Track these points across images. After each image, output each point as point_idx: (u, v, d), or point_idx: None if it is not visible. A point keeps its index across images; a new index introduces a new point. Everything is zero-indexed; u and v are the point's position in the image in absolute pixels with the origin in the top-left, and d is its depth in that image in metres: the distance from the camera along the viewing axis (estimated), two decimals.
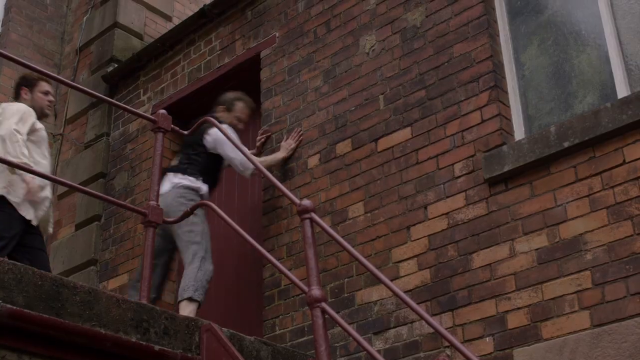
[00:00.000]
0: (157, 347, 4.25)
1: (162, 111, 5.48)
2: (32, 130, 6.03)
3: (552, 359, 4.56)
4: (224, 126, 5.90)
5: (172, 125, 5.49)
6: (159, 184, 5.26)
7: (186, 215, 5.40)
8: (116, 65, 8.88)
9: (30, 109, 6.13)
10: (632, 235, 4.50)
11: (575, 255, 4.69)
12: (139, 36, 9.35)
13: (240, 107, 6.78)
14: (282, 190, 4.86)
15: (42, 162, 6.07)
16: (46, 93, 6.37)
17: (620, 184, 4.65)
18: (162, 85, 8.27)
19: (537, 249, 4.87)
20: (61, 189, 8.82)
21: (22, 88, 6.35)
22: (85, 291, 4.09)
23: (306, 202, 4.44)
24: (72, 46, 9.83)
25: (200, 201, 5.77)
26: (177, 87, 8.02)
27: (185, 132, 5.82)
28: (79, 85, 5.75)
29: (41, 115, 6.30)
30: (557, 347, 4.56)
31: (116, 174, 8.29)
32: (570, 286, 4.64)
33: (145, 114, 6.00)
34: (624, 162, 4.67)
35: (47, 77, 5.30)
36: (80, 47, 9.62)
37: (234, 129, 6.43)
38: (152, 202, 5.13)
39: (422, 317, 3.91)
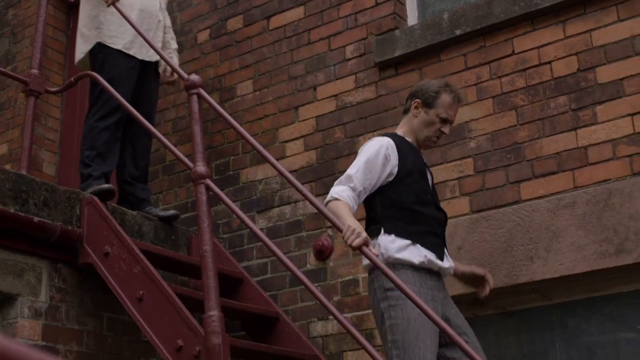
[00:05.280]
0: (36, 219, 4.18)
1: None
2: None
3: None
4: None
5: None
6: (41, 52, 5.07)
7: (70, 85, 5.23)
8: None
9: None
10: (515, 126, 4.59)
11: (459, 142, 4.76)
12: None
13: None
14: (170, 65, 4.77)
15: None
16: None
17: (507, 75, 4.71)
18: None
19: None
20: None
21: None
22: None
23: (194, 77, 4.38)
24: None
25: (85, 72, 5.50)
26: None
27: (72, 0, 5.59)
28: None
29: None
30: None
31: None
32: (453, 172, 4.74)
33: None
34: (513, 53, 4.73)
35: None
36: None
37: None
38: (34, 71, 4.97)
39: (305, 197, 3.95)
